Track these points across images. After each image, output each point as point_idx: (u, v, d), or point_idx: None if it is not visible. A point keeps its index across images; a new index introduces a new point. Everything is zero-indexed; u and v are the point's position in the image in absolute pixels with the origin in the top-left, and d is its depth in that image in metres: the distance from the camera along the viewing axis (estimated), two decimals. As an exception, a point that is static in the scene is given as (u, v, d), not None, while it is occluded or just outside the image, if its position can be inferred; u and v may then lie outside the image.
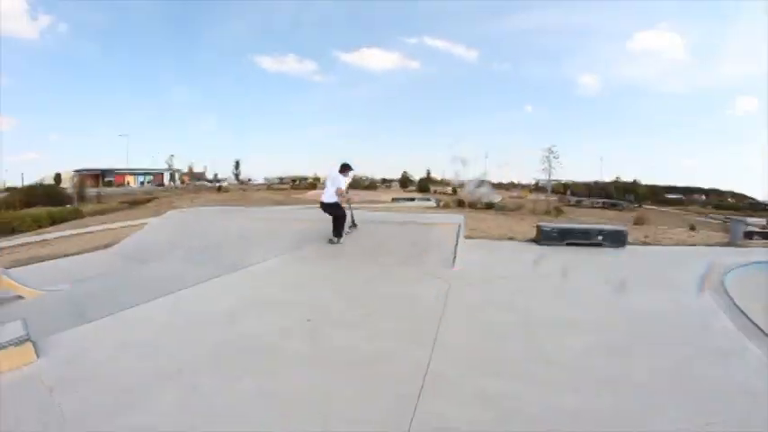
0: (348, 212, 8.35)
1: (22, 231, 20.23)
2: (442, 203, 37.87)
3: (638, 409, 2.85)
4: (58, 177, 56.66)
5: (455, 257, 7.21)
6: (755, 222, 14.23)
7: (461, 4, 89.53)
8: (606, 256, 8.73)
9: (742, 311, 4.70)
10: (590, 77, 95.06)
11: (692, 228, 19.18)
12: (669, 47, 79.31)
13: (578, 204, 50.40)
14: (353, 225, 8.54)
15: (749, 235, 12.09)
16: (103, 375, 3.17)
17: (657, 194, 65.32)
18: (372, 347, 3.79)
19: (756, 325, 4.29)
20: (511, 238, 10.94)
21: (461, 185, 53.67)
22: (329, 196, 7.95)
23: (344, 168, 8.11)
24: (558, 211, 32.37)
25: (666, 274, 7.05)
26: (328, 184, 8.16)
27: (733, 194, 68.66)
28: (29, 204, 33.37)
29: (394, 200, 40.59)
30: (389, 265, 7.07)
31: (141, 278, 7.04)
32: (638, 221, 21.97)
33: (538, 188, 55.54)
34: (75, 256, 9.62)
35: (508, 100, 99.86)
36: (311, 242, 8.19)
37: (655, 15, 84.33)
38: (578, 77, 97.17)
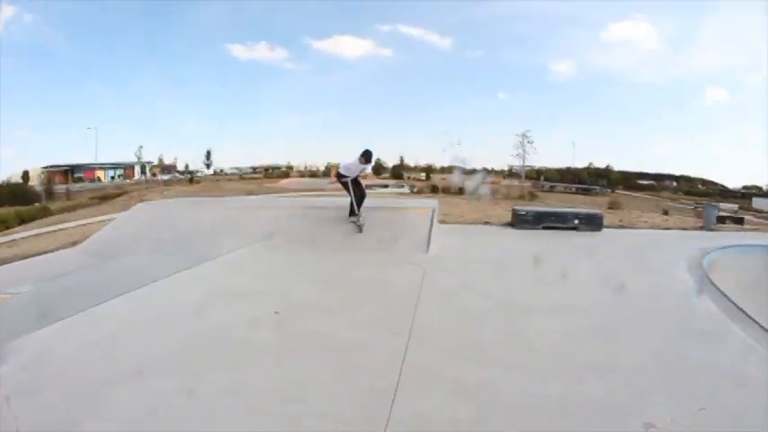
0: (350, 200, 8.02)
1: (-12, 232, 19.16)
2: (415, 189, 37.89)
3: (628, 396, 2.75)
4: (25, 175, 54.40)
5: (429, 242, 7.08)
6: (727, 208, 14.67)
7: None
8: (583, 239, 8.76)
9: (723, 294, 4.71)
10: (564, 65, 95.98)
11: (666, 212, 19.67)
12: (643, 38, 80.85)
13: (552, 190, 51.24)
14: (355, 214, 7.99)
15: (721, 219, 12.41)
16: (66, 379, 2.89)
17: (629, 180, 67.20)
18: (346, 337, 3.63)
19: (739, 307, 4.28)
20: (486, 223, 10.89)
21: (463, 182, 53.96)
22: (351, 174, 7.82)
23: (364, 156, 7.73)
24: (533, 196, 32.64)
25: (645, 258, 7.10)
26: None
27: (703, 182, 71.23)
28: (-4, 204, 31.75)
29: (367, 186, 39.99)
30: (363, 251, 6.90)
31: (108, 274, 6.76)
32: (612, 206, 22.35)
33: (511, 174, 56.26)
34: (42, 256, 9.14)
35: (481, 87, 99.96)
36: (282, 230, 7.94)
37: (630, 6, 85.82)
38: (552, 65, 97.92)
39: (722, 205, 15.18)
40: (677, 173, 73.84)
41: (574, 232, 9.37)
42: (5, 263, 8.76)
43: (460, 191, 34.74)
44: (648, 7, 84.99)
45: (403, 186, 41.00)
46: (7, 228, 20.74)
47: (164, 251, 7.66)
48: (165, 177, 56.99)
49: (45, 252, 9.67)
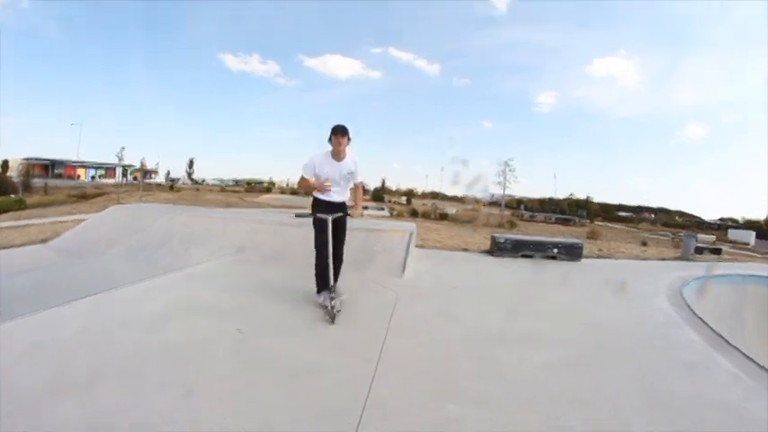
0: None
1: (-43, 219, 18.62)
2: (395, 213, 37.97)
3: (608, 429, 2.58)
4: (5, 164, 53.20)
5: (405, 266, 6.90)
6: (705, 239, 14.94)
7: (428, 19, 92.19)
8: (562, 268, 8.71)
9: (705, 323, 4.65)
10: (548, 96, 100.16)
11: (644, 243, 20.02)
12: (626, 73, 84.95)
13: (532, 219, 52.00)
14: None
15: (699, 250, 12.61)
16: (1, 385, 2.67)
17: (609, 212, 69.03)
18: (311, 360, 3.40)
19: (721, 336, 4.21)
20: (464, 249, 10.79)
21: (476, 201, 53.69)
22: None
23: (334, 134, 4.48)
24: (512, 225, 33.00)
25: (625, 287, 7.05)
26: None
27: (681, 214, 73.68)
28: (-29, 190, 31.45)
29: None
30: None
31: (71, 275, 6.64)
32: (591, 236, 22.72)
33: (492, 202, 56.89)
34: (7, 250, 8.99)
35: (467, 114, 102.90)
36: (255, 245, 7.72)
37: (615, 43, 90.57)
38: (537, 96, 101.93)
39: (700, 236, 15.45)
40: (655, 205, 76.63)
41: (553, 261, 9.34)
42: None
43: (442, 217, 34.98)
44: (634, 44, 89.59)
45: (383, 209, 41.05)
46: None
47: (133, 257, 7.60)
48: (147, 181, 56.16)
49: (11, 246, 9.49)
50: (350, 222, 4.86)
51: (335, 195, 4.70)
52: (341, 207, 4.76)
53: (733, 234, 48.94)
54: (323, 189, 4.59)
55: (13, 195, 33.26)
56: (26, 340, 3.43)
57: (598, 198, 71.90)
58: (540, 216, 55.09)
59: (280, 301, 4.99)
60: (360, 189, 5.00)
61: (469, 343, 4.06)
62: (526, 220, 48.30)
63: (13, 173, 47.69)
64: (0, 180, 40.86)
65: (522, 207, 59.63)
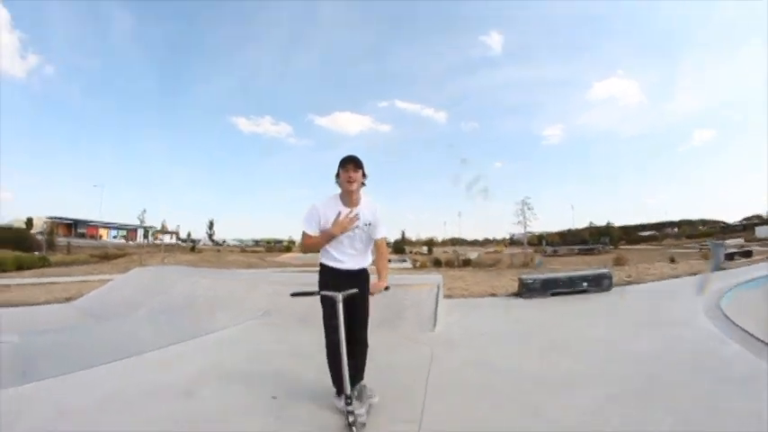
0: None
1: (-17, 272, 19.21)
2: (418, 264, 37.87)
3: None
4: (29, 222, 55.53)
5: (435, 319, 6.88)
6: (733, 244, 14.64)
7: (427, 68, 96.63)
8: (594, 301, 8.59)
9: (749, 333, 4.54)
10: (554, 129, 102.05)
11: (672, 260, 19.60)
12: (627, 92, 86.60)
13: (555, 254, 51.30)
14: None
15: (730, 256, 12.36)
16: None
17: (631, 234, 67.93)
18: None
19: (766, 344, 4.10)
20: (492, 295, 10.70)
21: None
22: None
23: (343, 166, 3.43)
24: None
25: (661, 311, 6.94)
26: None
27: (703, 222, 72.09)
28: (-5, 245, 32.90)
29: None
30: None
31: (97, 337, 6.67)
32: (618, 262, 22.34)
33: (513, 242, 56.50)
34: (33, 307, 9.27)
35: (478, 157, 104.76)
36: (280, 307, 7.67)
37: (611, 64, 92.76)
38: (544, 130, 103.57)
39: (728, 242, 15.15)
40: (677, 218, 75.07)
41: (584, 295, 9.21)
42: (-8, 306, 8.69)
43: (465, 263, 34.70)
44: (629, 63, 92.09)
45: (405, 261, 41.04)
46: (3, 271, 20.63)
47: (156, 319, 7.60)
48: (168, 242, 57.00)
49: (37, 303, 9.69)
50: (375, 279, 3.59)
51: (349, 260, 3.44)
52: (358, 278, 3.47)
53: (760, 231, 47.69)
54: (344, 229, 3.28)
55: (36, 253, 34.22)
56: (51, 403, 3.41)
57: (618, 221, 70.98)
58: (563, 249, 54.43)
59: (311, 365, 4.92)
60: (384, 250, 3.61)
61: (512, 391, 3.98)
62: (549, 256, 47.74)
63: (36, 230, 49.84)
64: (24, 237, 42.54)
65: (544, 243, 59.06)
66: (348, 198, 3.33)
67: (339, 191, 3.39)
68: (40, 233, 46.39)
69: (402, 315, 7.08)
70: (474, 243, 68.78)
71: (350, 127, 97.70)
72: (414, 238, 77.85)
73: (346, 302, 3.26)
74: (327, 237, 3.27)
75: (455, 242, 70.99)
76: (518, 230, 51.53)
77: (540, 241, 60.17)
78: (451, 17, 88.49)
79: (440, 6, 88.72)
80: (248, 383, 4.28)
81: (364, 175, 3.33)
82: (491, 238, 74.05)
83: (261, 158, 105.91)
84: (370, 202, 3.45)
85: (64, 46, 79.39)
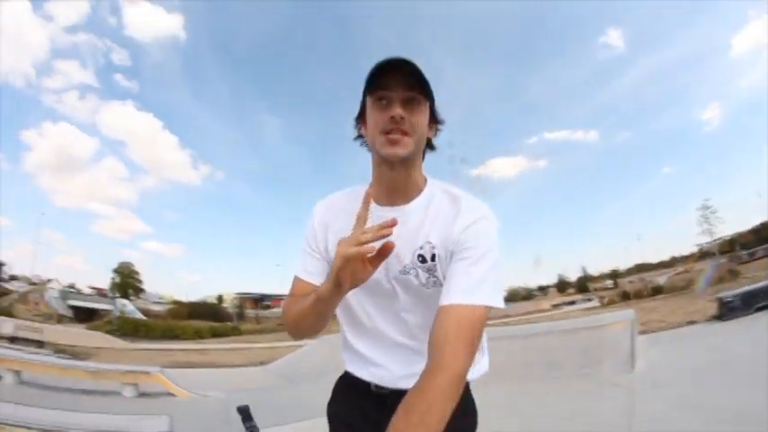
0: None
1: (184, 339, 22.66)
2: (605, 300, 35.67)
3: None
4: (219, 298, 64.26)
5: (633, 359, 6.73)
6: None
7: (558, 85, 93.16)
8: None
9: None
10: (711, 110, 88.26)
11: None
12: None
13: (753, 258, 43.31)
14: None
15: None
16: None
17: None
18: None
19: None
20: (690, 322, 9.90)
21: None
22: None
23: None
24: (734, 274, 28.24)
25: None
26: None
27: None
28: (192, 317, 39.57)
29: (554, 306, 40.81)
30: (561, 379, 6.71)
31: (291, 398, 7.24)
32: None
33: (703, 254, 49.44)
34: (230, 368, 10.27)
35: (638, 169, 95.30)
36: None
37: (737, 10, 78.13)
38: (700, 114, 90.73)
39: None
40: None
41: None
42: (195, 366, 9.87)
43: (656, 291, 31.67)
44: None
45: (591, 300, 39.03)
46: (201, 338, 23.90)
47: None
48: None
49: (233, 365, 10.66)
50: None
51: (392, 358, 1.27)
52: (395, 402, 0.88)
53: None
54: (356, 254, 0.90)
55: (228, 323, 39.83)
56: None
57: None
58: (761, 250, 45.80)
59: (511, 419, 4.68)
60: (462, 343, 0.94)
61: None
62: (746, 262, 40.64)
63: (227, 304, 57.24)
64: (216, 310, 49.88)
65: (738, 248, 50.47)
66: (385, 182, 1.18)
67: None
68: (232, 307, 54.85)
69: (598, 359, 6.84)
70: (660, 265, 61.53)
71: (506, 171, 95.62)
72: (596, 273, 72.29)
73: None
74: (329, 291, 1.00)
75: (640, 268, 64.28)
76: (705, 239, 44.97)
77: (732, 247, 51.58)
78: (563, 28, 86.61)
79: (545, 22, 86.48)
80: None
81: (436, 121, 1.20)
82: (677, 255, 65.52)
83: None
84: (448, 202, 1.18)
85: (229, 153, 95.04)
